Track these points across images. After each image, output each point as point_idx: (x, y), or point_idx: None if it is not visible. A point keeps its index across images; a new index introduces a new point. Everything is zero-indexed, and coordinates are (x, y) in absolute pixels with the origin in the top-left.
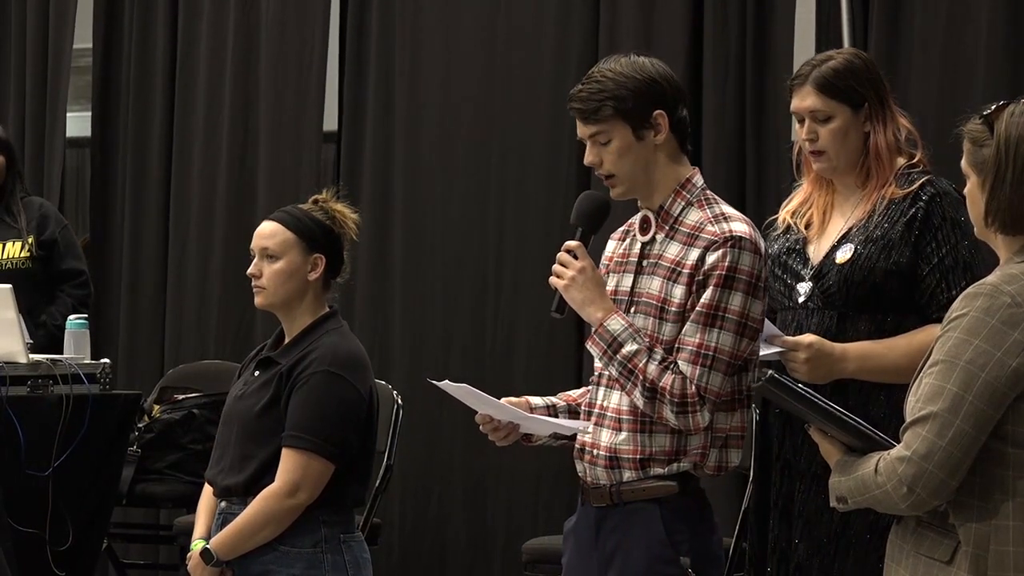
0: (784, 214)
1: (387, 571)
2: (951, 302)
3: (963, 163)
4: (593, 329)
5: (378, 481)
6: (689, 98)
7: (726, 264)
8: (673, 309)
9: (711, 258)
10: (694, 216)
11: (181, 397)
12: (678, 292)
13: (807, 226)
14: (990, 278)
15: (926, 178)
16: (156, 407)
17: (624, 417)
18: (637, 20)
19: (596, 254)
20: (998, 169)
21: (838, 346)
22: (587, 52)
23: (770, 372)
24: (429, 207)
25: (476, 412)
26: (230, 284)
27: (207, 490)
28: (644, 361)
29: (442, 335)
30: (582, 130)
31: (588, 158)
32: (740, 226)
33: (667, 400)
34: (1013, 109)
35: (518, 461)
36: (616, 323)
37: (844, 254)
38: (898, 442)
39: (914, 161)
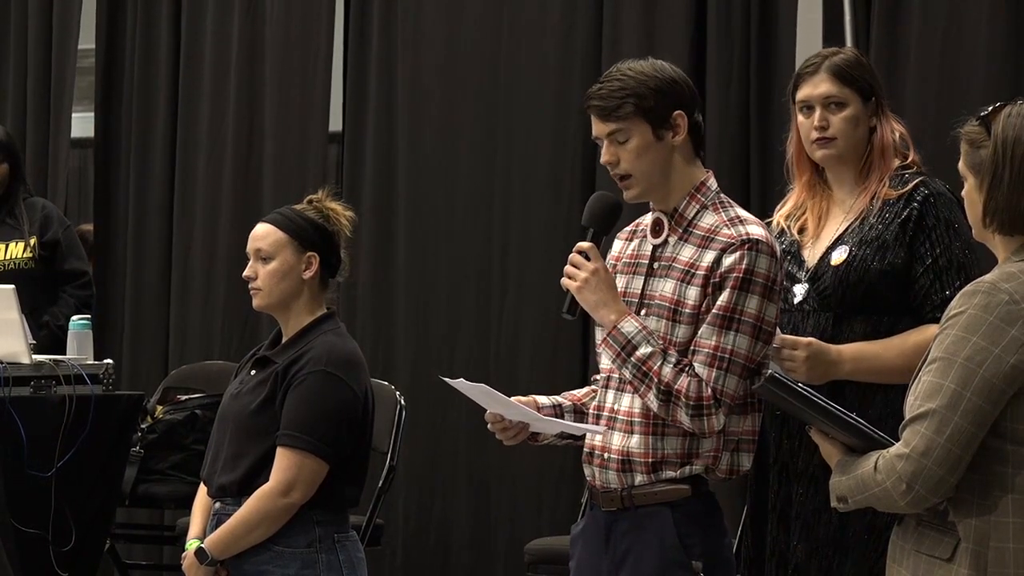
0: (778, 218)
1: (390, 572)
2: (945, 303)
3: (960, 165)
4: (606, 331)
5: (381, 482)
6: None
7: (743, 267)
8: (687, 311)
9: (728, 260)
10: (709, 219)
11: (184, 398)
12: (692, 294)
13: (801, 231)
14: (988, 276)
15: (920, 179)
16: (159, 408)
17: (636, 420)
18: (640, 20)
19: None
20: (995, 170)
21: (833, 347)
22: (591, 53)
23: (771, 372)
24: (433, 207)
25: (483, 412)
26: (234, 285)
27: (202, 489)
28: (659, 364)
29: (446, 335)
30: (599, 128)
31: (605, 157)
32: (756, 229)
33: (682, 403)
34: (1010, 110)
35: (522, 461)
36: (630, 325)
37: (839, 256)
38: (898, 441)
39: (907, 162)
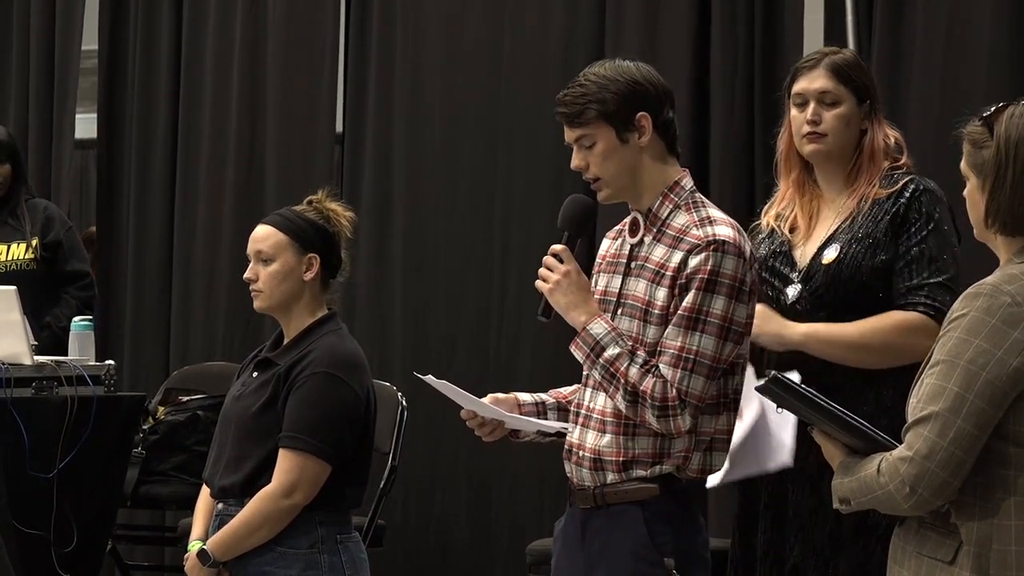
0: (767, 218)
1: (391, 572)
2: (910, 291)
3: (962, 165)
4: (577, 333)
5: (382, 483)
6: (674, 98)
7: (708, 268)
8: (656, 312)
9: (693, 261)
10: (681, 219)
11: (186, 399)
12: (661, 295)
13: (791, 230)
14: (990, 278)
15: (909, 177)
16: (161, 409)
17: (608, 420)
18: (643, 19)
19: (588, 255)
20: (998, 170)
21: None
22: (592, 55)
23: (772, 372)
24: (433, 207)
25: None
26: (236, 286)
27: (204, 491)
28: (626, 365)
29: (446, 336)
30: (568, 135)
31: (574, 162)
32: (725, 230)
33: (648, 404)
34: (1012, 111)
35: (522, 462)
36: (599, 327)
37: (830, 254)
38: (899, 442)
39: (899, 163)
